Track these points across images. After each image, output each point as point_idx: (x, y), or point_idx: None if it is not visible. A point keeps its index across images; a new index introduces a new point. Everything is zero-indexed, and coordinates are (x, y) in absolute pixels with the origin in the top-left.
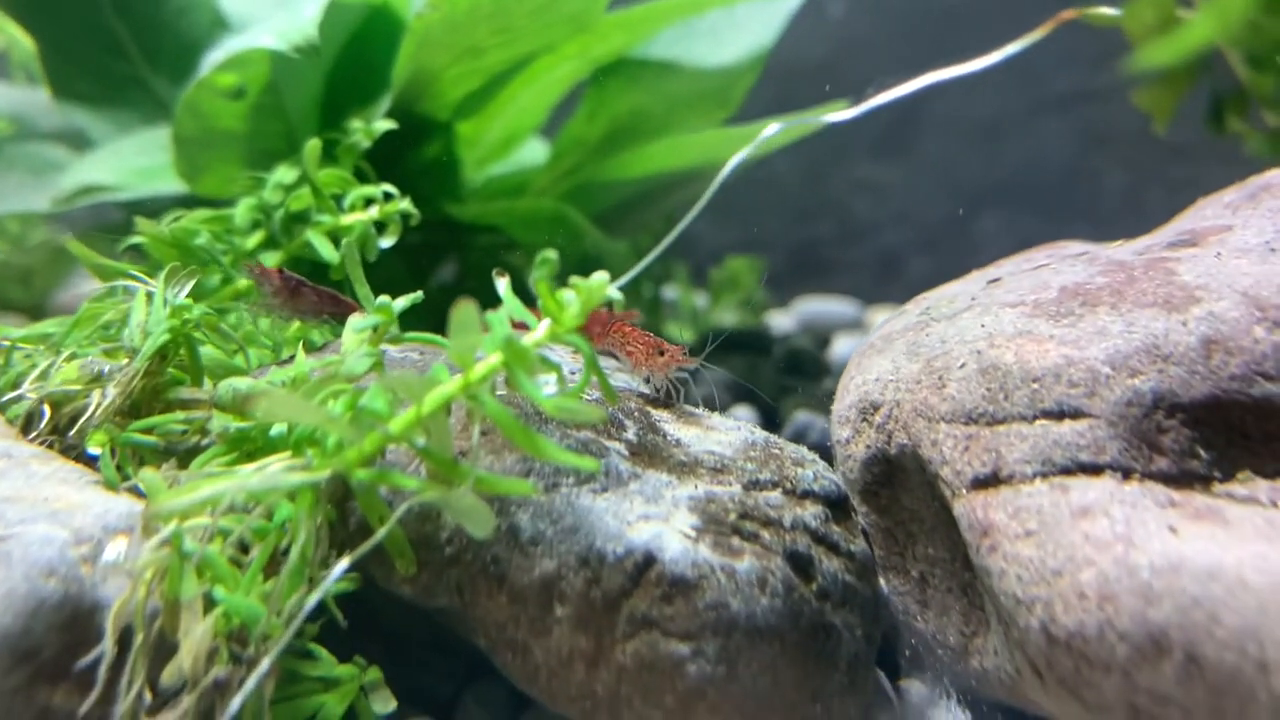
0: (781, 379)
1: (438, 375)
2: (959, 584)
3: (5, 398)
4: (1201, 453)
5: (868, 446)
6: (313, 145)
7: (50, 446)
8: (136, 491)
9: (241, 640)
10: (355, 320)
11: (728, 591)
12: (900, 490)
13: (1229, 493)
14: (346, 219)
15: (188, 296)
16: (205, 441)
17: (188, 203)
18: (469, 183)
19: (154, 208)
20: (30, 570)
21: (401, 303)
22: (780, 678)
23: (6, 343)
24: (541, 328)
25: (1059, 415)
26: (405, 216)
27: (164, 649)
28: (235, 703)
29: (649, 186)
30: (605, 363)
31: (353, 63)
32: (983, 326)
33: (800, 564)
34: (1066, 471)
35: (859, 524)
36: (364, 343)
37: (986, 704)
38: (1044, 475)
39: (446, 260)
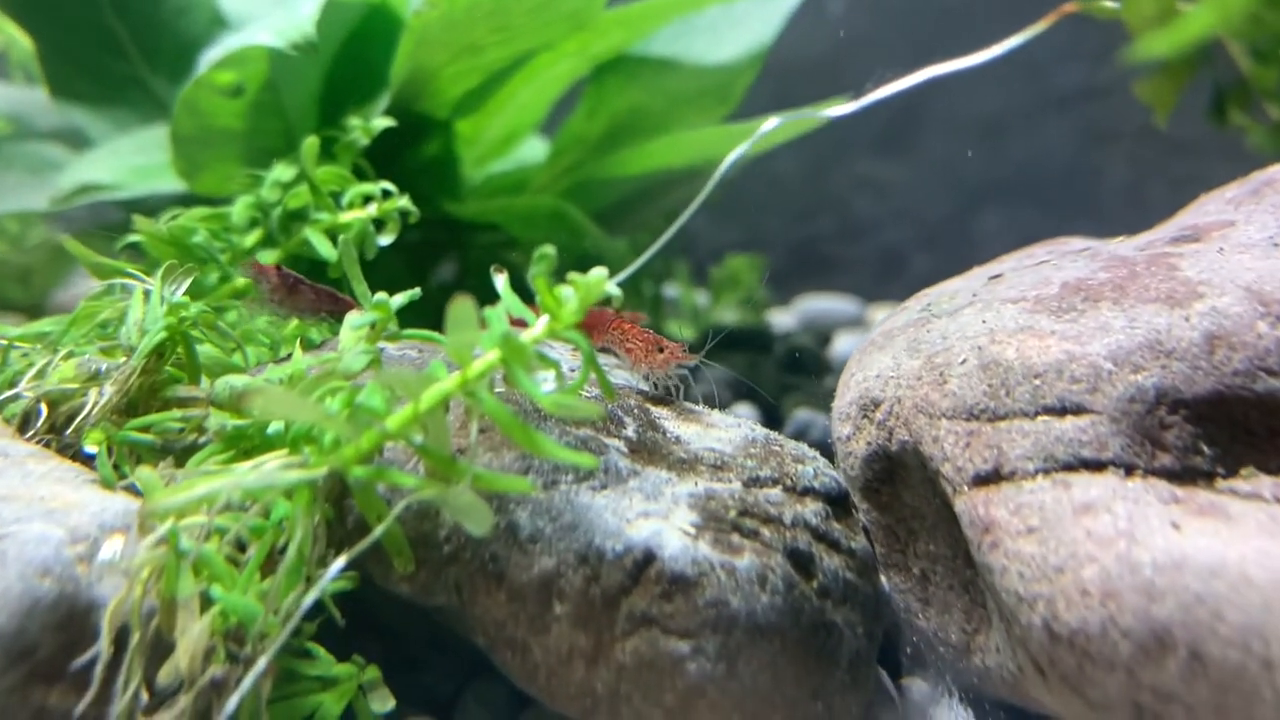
0: (782, 377)
1: (435, 372)
2: (960, 581)
3: (2, 396)
4: (1204, 449)
5: (868, 443)
6: (310, 143)
7: (47, 445)
8: (133, 490)
9: (238, 639)
10: (353, 318)
11: (728, 589)
12: (901, 487)
13: (1232, 489)
14: (345, 217)
15: (185, 294)
16: (202, 440)
17: (186, 201)
18: (468, 181)
19: (152, 206)
20: (26, 569)
21: (399, 300)
22: (781, 675)
23: (3, 341)
24: (539, 324)
25: (1061, 411)
26: (404, 214)
27: (160, 648)
28: (232, 702)
29: (649, 184)
30: (604, 360)
31: (351, 61)
32: (984, 322)
33: (801, 561)
34: (1069, 468)
35: (860, 521)
36: (361, 340)
37: (989, 702)
38: (1046, 472)
39: (446, 258)
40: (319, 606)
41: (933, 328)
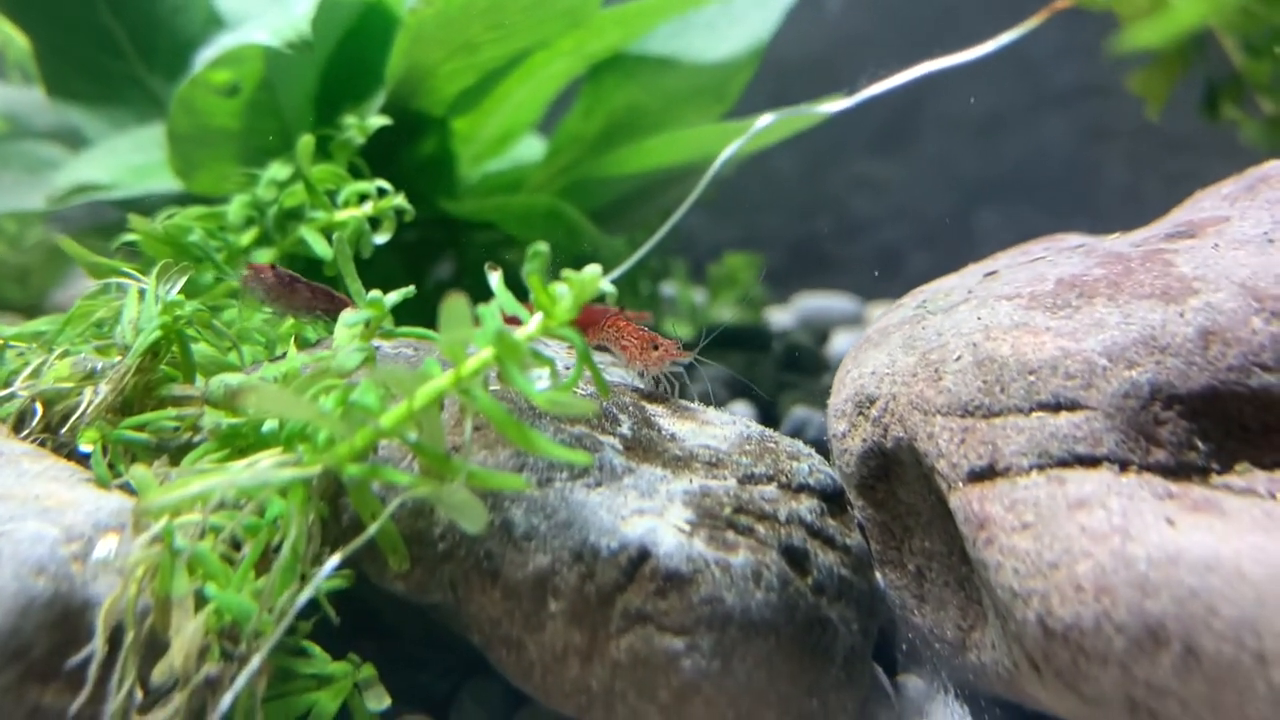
0: (780, 375)
1: (429, 370)
2: (956, 578)
3: None
4: (1199, 444)
5: (864, 440)
6: (306, 141)
7: (42, 444)
8: (128, 488)
9: (233, 637)
10: (347, 315)
11: (722, 586)
12: (896, 484)
13: (1227, 484)
14: (340, 215)
15: (180, 293)
16: (198, 438)
17: (183, 200)
18: (465, 179)
19: (149, 206)
20: (20, 568)
21: (394, 297)
22: (776, 672)
23: None
24: (533, 321)
25: (1055, 407)
26: (400, 213)
27: (155, 647)
28: (226, 700)
29: (646, 182)
30: (600, 358)
31: (347, 59)
32: (979, 319)
33: (796, 558)
34: (1063, 464)
35: (855, 518)
36: (356, 338)
37: (984, 698)
38: (1040, 468)
39: (443, 257)
40: (314, 605)
41: (928, 324)
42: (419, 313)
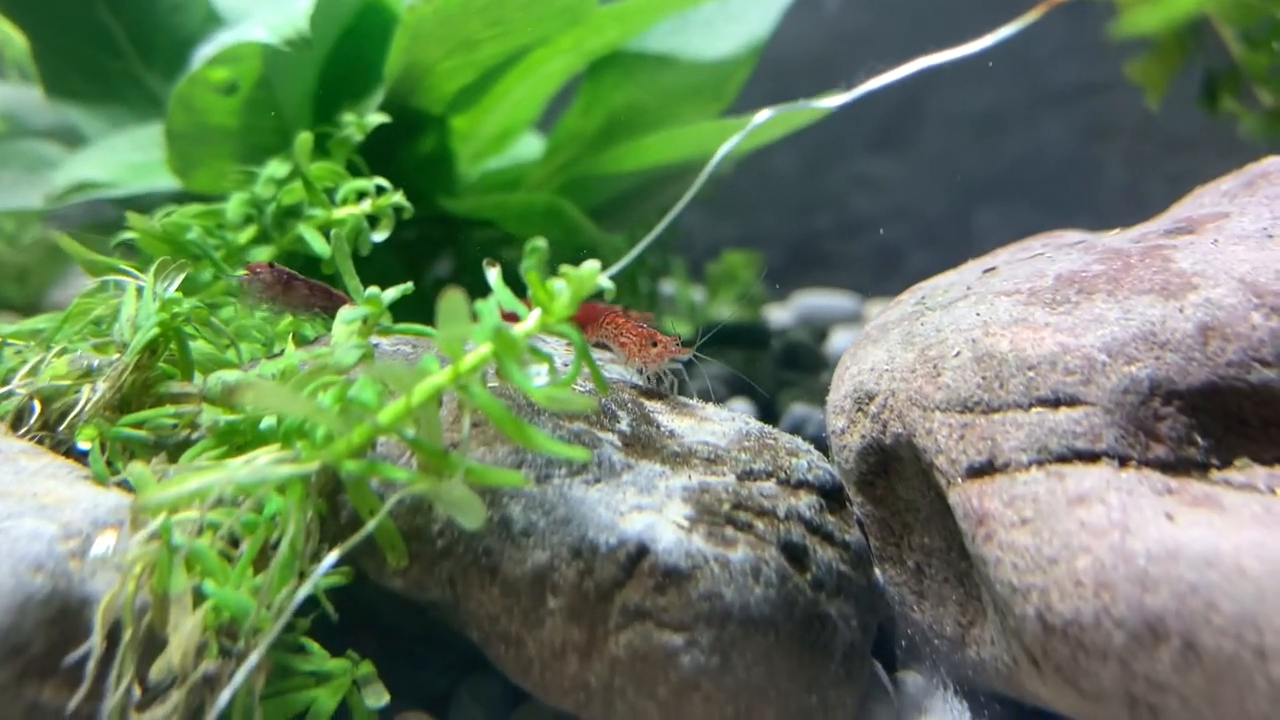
0: (779, 372)
1: (427, 366)
2: (955, 573)
3: None
4: (1199, 440)
5: (863, 436)
6: (304, 139)
7: (40, 442)
8: (126, 486)
9: (231, 634)
10: (345, 312)
11: (721, 582)
12: (895, 480)
13: (1226, 480)
14: (339, 213)
15: (178, 291)
16: (195, 435)
17: (181, 198)
18: (464, 177)
19: (148, 204)
20: (18, 565)
21: (392, 294)
22: (775, 668)
23: None
24: (531, 318)
25: (1055, 403)
26: (399, 211)
27: (153, 644)
28: (224, 697)
29: (645, 180)
30: (599, 354)
31: (345, 57)
32: (978, 315)
33: (795, 554)
34: (1062, 459)
35: (854, 514)
36: (354, 335)
37: (984, 694)
38: (1040, 463)
39: (442, 255)
40: (313, 602)
41: (927, 321)
42: (418, 310)
